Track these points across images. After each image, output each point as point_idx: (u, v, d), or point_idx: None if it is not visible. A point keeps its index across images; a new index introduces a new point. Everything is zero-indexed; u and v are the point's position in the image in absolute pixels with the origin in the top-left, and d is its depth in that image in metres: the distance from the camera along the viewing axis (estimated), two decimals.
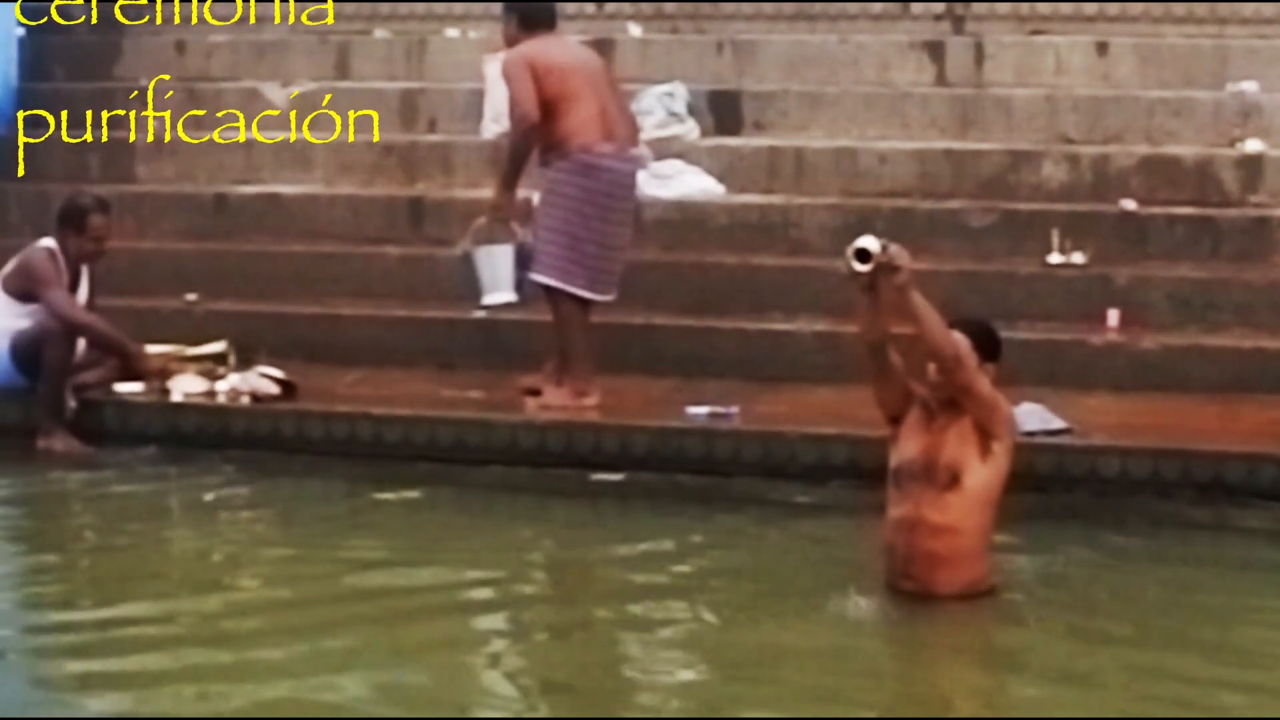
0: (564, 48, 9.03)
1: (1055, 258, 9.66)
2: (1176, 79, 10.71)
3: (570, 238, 8.73)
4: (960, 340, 6.39)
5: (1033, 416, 8.09)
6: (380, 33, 11.88)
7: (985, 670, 6.32)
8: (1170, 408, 8.70)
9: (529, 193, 9.05)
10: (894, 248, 6.25)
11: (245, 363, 9.21)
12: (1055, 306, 9.45)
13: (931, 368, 6.42)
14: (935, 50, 11.03)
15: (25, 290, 8.94)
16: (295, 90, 11.38)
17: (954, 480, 6.41)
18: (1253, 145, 10.17)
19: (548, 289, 8.79)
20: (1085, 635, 6.35)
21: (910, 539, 6.47)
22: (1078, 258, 9.65)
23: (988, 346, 6.52)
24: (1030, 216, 9.92)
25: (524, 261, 8.87)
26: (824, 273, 9.60)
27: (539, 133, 8.72)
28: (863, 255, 6.23)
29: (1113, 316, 9.37)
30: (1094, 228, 9.81)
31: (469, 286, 8.98)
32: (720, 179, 10.43)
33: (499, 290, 8.89)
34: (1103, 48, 10.87)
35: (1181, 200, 10.00)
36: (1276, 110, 10.36)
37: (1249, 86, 10.48)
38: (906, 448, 6.51)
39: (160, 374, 9.06)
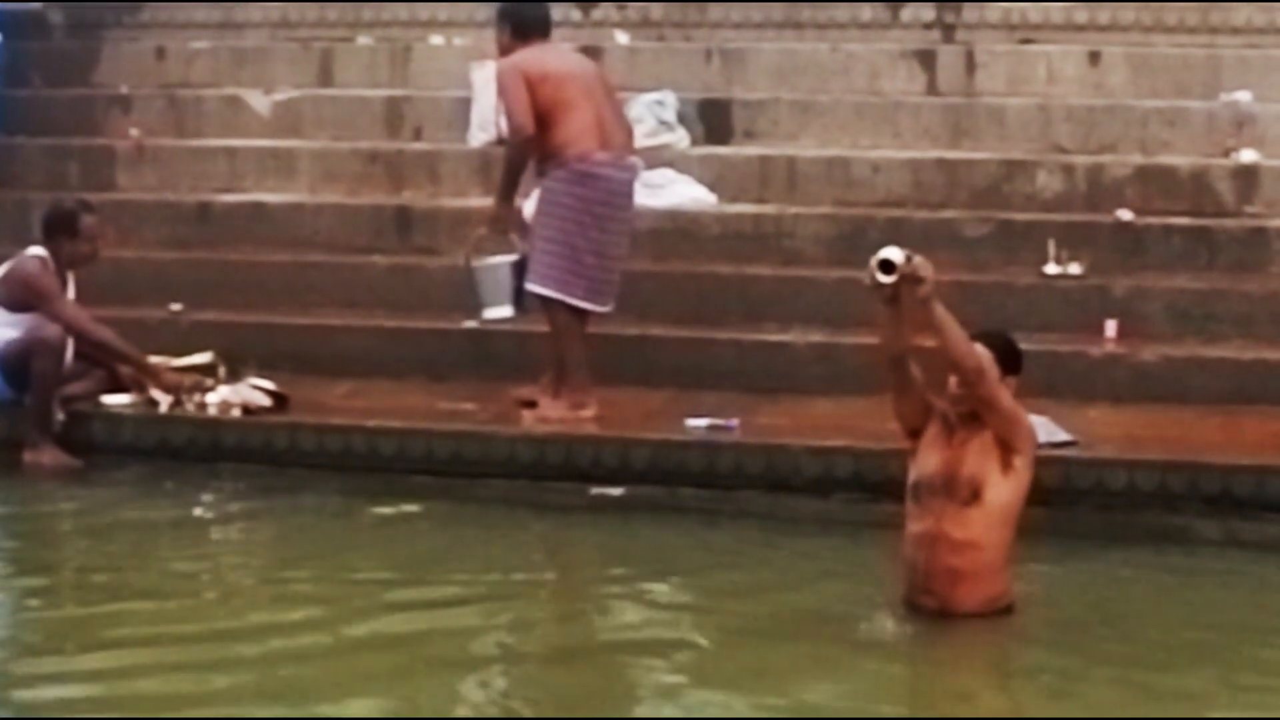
0: (559, 55, 8.93)
1: (1052, 268, 9.59)
2: (1169, 89, 10.65)
3: (569, 248, 8.62)
4: (982, 353, 6.32)
5: (1039, 429, 7.97)
6: (364, 39, 11.74)
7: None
8: (1172, 419, 8.63)
9: (520, 201, 8.95)
10: (917, 259, 6.16)
11: (234, 374, 9.05)
12: (1053, 317, 9.36)
13: (953, 381, 6.35)
14: (926, 59, 10.95)
15: (16, 300, 8.79)
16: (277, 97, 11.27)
17: (975, 495, 6.34)
18: (1247, 155, 10.13)
19: (544, 300, 8.68)
20: (1095, 660, 6.26)
21: (931, 554, 6.39)
22: (1074, 268, 9.58)
23: (1009, 360, 6.46)
24: (1025, 227, 9.86)
25: (522, 274, 8.76)
26: (818, 283, 9.57)
27: (535, 143, 8.62)
28: (886, 267, 6.14)
29: (1111, 327, 9.29)
30: (1090, 238, 9.75)
31: (469, 298, 8.86)
32: (711, 188, 10.33)
33: (499, 305, 8.78)
34: (1094, 57, 10.80)
35: (1177, 210, 9.94)
36: (1270, 120, 10.31)
37: (1242, 96, 10.44)
38: (926, 462, 6.43)
39: (175, 389, 8.84)
